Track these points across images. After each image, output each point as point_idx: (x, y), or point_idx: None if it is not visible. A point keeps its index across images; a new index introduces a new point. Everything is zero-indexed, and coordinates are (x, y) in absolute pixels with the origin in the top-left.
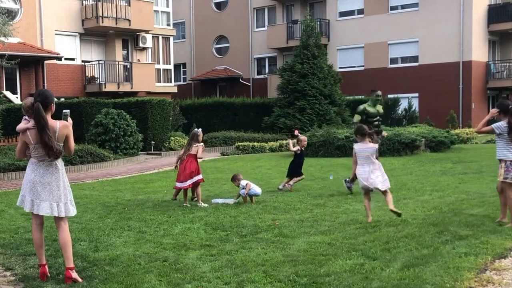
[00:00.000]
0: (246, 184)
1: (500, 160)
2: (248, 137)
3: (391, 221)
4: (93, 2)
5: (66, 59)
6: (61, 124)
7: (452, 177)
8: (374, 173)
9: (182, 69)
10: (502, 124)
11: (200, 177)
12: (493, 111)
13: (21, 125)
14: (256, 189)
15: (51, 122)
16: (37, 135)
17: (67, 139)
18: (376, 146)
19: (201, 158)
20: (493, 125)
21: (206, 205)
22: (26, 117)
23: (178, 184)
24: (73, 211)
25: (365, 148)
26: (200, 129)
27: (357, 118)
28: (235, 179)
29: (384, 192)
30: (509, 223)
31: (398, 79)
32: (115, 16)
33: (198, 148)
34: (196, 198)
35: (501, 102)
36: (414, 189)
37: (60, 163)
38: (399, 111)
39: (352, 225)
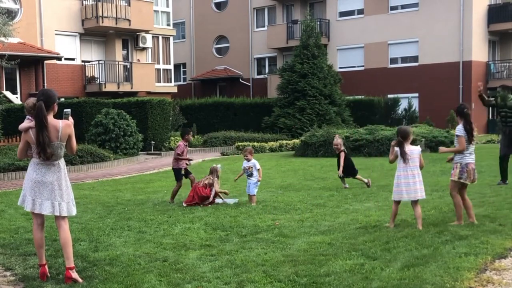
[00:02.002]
0: (259, 170)
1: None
2: (248, 137)
3: None
4: (93, 2)
5: (66, 59)
6: (64, 123)
7: None
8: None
9: (182, 69)
10: (460, 127)
11: (209, 200)
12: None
13: (24, 124)
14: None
15: (54, 121)
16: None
17: (70, 139)
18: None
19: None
20: (456, 133)
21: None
22: (29, 117)
23: (186, 202)
24: (74, 211)
25: (411, 150)
26: (219, 165)
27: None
28: (250, 152)
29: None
30: (455, 222)
31: (398, 79)
32: (115, 16)
33: (212, 182)
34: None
35: (459, 105)
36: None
37: (62, 162)
38: (399, 111)
39: (352, 225)
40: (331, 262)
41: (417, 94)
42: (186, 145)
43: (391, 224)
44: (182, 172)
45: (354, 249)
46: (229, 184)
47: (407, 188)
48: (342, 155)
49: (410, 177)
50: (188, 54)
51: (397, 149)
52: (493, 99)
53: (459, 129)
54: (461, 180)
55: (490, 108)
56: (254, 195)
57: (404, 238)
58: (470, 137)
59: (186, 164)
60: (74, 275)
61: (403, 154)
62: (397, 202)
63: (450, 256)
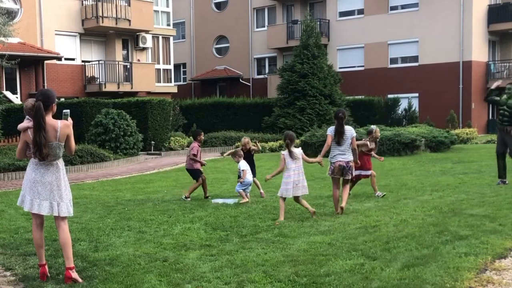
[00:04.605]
0: (243, 171)
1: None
2: (248, 137)
3: (391, 221)
4: (93, 2)
5: (66, 59)
6: (62, 123)
7: (452, 177)
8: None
9: (182, 69)
10: (331, 128)
11: (366, 172)
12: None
13: (23, 124)
14: (249, 177)
15: (52, 121)
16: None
17: (68, 139)
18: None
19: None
20: (327, 132)
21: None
22: (29, 117)
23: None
24: (72, 211)
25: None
26: (374, 126)
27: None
28: (235, 154)
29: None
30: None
31: (398, 79)
32: (115, 16)
33: (366, 142)
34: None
35: (336, 111)
36: (414, 189)
37: (61, 162)
38: (399, 111)
39: (352, 225)
40: (331, 262)
41: (417, 94)
42: (199, 145)
43: (282, 217)
44: (201, 169)
45: (354, 249)
46: (230, 184)
47: (294, 186)
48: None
49: (296, 176)
50: (188, 54)
51: (285, 152)
52: (498, 98)
53: (329, 129)
54: (332, 176)
55: (490, 108)
56: (238, 191)
57: (404, 238)
58: (339, 138)
59: (202, 165)
60: (74, 275)
61: (292, 154)
62: (284, 199)
63: (450, 256)
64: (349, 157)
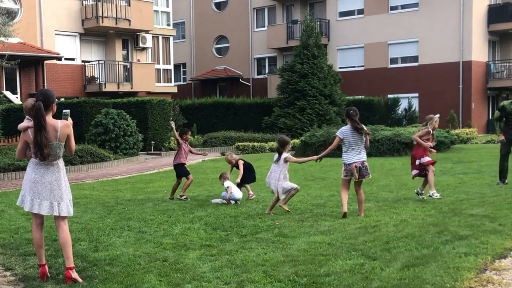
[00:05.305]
0: (228, 188)
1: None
2: (248, 137)
3: (391, 221)
4: (93, 2)
5: (66, 59)
6: (63, 123)
7: (452, 177)
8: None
9: (182, 69)
10: (345, 128)
11: (424, 159)
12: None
13: (23, 124)
14: (236, 194)
15: (53, 121)
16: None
17: (68, 139)
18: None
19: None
20: (337, 133)
21: (438, 195)
22: (29, 117)
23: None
24: (72, 211)
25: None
26: (438, 115)
27: (496, 114)
28: (221, 177)
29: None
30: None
31: (398, 79)
32: (115, 16)
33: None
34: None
35: (347, 109)
36: (414, 189)
37: (61, 162)
38: (399, 111)
39: (352, 225)
40: (331, 262)
41: (417, 94)
42: (185, 143)
43: (270, 210)
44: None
45: (354, 249)
46: None
47: (276, 188)
48: (241, 163)
49: (279, 180)
50: (188, 54)
51: (278, 156)
52: (498, 112)
53: (341, 132)
54: (346, 178)
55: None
56: (223, 196)
57: (404, 238)
58: (360, 135)
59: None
60: (74, 275)
61: (285, 159)
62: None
63: (450, 256)
64: (364, 156)
